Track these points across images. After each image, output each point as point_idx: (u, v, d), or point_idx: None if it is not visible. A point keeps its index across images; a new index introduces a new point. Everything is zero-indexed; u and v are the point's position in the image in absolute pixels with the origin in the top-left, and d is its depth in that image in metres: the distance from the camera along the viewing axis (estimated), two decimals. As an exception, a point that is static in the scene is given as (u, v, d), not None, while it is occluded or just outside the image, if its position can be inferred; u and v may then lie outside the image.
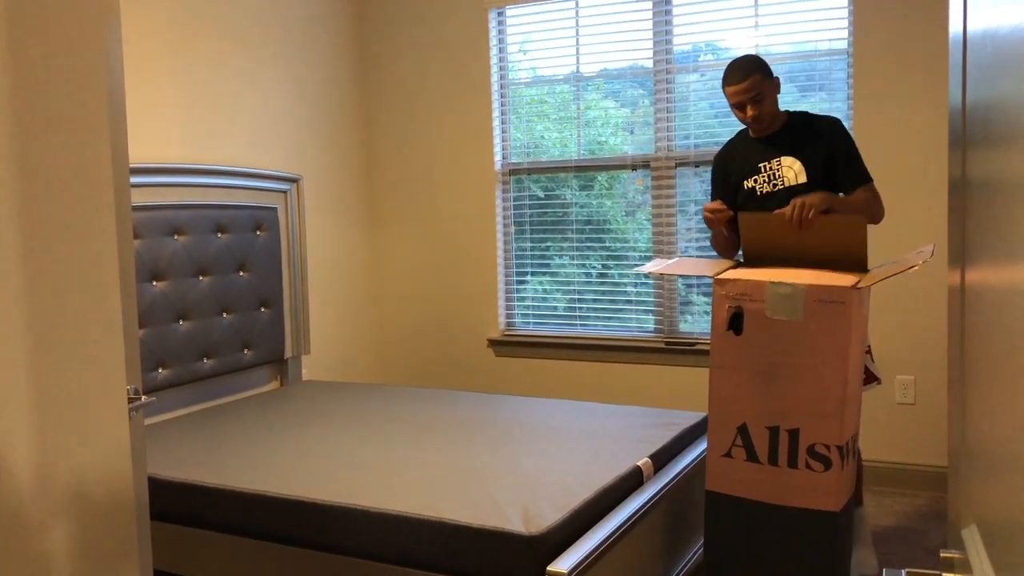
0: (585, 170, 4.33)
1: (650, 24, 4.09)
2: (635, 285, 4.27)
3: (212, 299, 3.61)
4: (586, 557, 2.13)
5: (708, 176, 4.05)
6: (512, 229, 4.50)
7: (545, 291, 4.50)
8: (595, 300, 4.37)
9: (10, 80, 1.16)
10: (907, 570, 1.08)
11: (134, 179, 3.20)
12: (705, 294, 4.11)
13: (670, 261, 2.98)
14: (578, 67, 4.30)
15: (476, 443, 2.89)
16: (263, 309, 3.90)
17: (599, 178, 4.35)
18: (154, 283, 3.37)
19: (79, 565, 1.27)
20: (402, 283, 4.74)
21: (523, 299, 4.53)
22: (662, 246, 4.14)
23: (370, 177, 4.76)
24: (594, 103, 4.36)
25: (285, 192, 4.04)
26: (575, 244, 4.38)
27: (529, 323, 4.52)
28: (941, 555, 1.05)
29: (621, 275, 4.31)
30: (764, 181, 2.85)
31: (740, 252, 2.87)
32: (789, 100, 3.71)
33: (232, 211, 3.72)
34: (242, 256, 3.77)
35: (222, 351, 3.66)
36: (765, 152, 2.86)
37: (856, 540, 3.01)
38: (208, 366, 3.60)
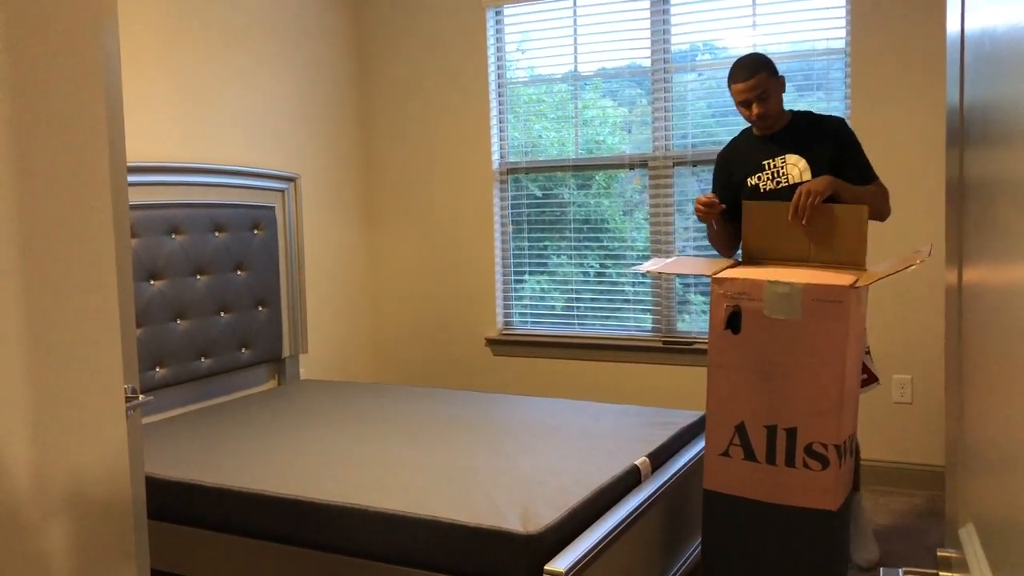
0: (583, 169, 4.33)
1: (648, 23, 4.09)
2: (633, 284, 4.27)
3: (210, 298, 3.61)
4: (583, 556, 2.13)
5: (706, 176, 4.08)
6: (510, 228, 4.50)
7: (543, 290, 4.50)
8: (593, 299, 4.37)
9: (7, 79, 1.15)
10: (904, 569, 1.09)
11: (131, 178, 3.19)
12: (703, 293, 4.11)
13: (668, 260, 2.99)
14: (576, 66, 4.30)
15: (474, 442, 2.89)
16: (261, 308, 3.90)
17: (597, 177, 4.35)
18: (152, 282, 3.37)
19: (76, 564, 1.27)
20: (400, 282, 4.74)
21: (521, 298, 4.53)
22: (660, 245, 4.14)
23: (368, 176, 4.76)
24: (592, 102, 4.36)
25: (283, 191, 4.04)
26: (573, 243, 4.38)
27: (527, 322, 4.52)
28: (938, 554, 1.05)
29: (619, 274, 4.31)
30: (768, 178, 2.86)
31: (739, 251, 2.88)
32: (787, 99, 3.70)
33: (230, 210, 3.72)
34: (240, 255, 3.77)
35: (220, 350, 3.66)
36: (769, 150, 2.87)
37: (856, 527, 3.02)
38: (206, 365, 3.59)
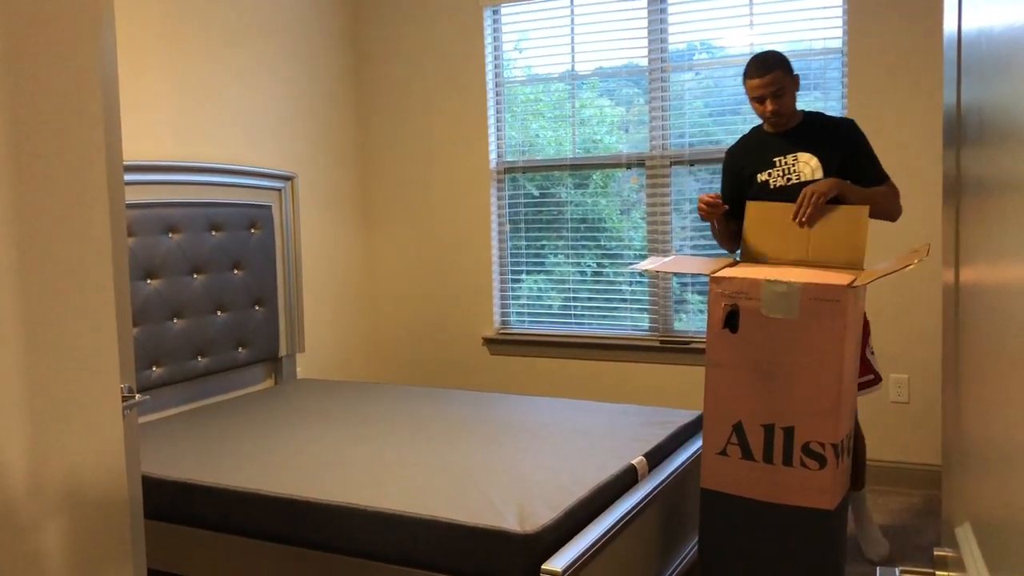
0: (580, 169, 4.33)
1: (645, 23, 4.09)
2: (630, 284, 4.27)
3: (206, 297, 3.60)
4: (580, 556, 2.13)
5: (703, 175, 4.08)
6: (507, 227, 4.50)
7: (540, 289, 4.50)
8: (590, 299, 4.37)
9: (3, 78, 1.15)
10: (901, 568, 1.09)
11: (128, 176, 3.19)
12: (700, 292, 4.11)
13: (666, 259, 3.00)
14: (573, 65, 4.30)
15: (471, 441, 2.89)
16: (257, 307, 3.89)
17: (594, 176, 4.35)
18: (148, 281, 3.36)
19: (72, 564, 1.26)
20: (397, 281, 4.74)
21: (518, 297, 4.53)
22: (657, 244, 4.14)
23: (365, 175, 4.76)
24: (589, 101, 4.36)
25: (280, 190, 4.04)
26: (570, 243, 4.38)
27: (524, 321, 4.52)
28: (935, 553, 1.05)
29: (616, 273, 4.31)
30: (779, 175, 2.88)
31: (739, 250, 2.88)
32: (784, 99, 3.71)
33: (226, 209, 3.72)
34: (236, 254, 3.76)
35: (216, 349, 3.65)
36: (781, 147, 2.90)
37: (863, 523, 3.03)
38: (202, 364, 3.59)
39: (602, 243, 4.33)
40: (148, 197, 3.36)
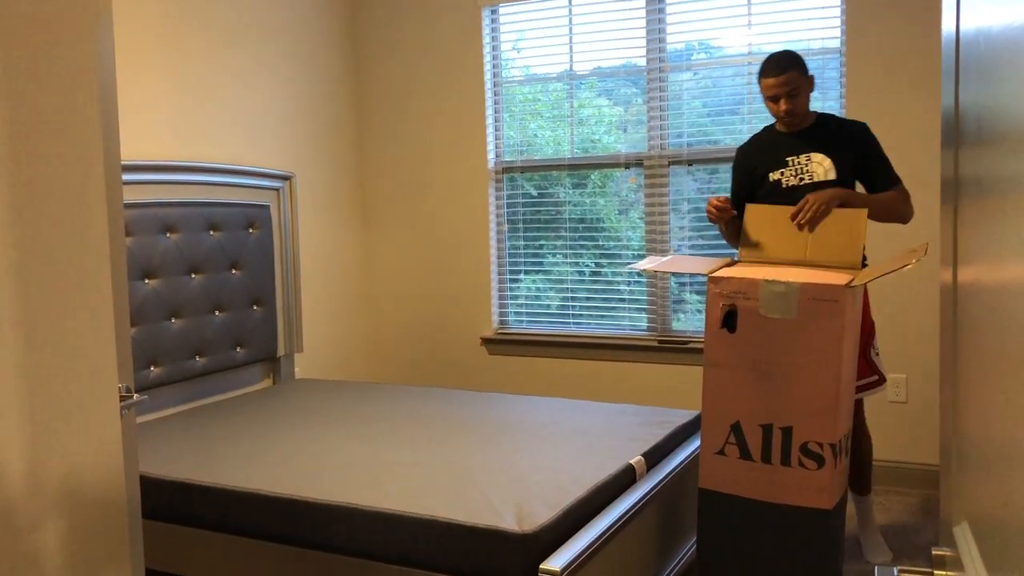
0: (578, 168, 4.33)
1: (643, 23, 4.09)
2: (628, 283, 4.27)
3: (204, 297, 3.60)
4: (579, 555, 2.13)
5: (701, 175, 4.08)
6: (505, 227, 4.50)
7: (538, 289, 4.50)
8: (588, 298, 4.37)
9: (1, 78, 1.15)
10: (899, 567, 1.09)
11: (126, 176, 3.18)
12: (698, 292, 4.11)
13: (664, 258, 3.00)
14: (571, 65, 4.30)
15: (469, 441, 2.89)
16: (256, 307, 3.89)
17: (592, 176, 4.35)
18: (146, 281, 3.36)
19: (71, 564, 1.26)
20: (395, 281, 4.74)
21: (516, 297, 4.53)
22: (655, 244, 4.15)
23: (363, 175, 4.76)
24: (587, 101, 4.36)
25: (278, 190, 4.04)
26: (568, 242, 4.38)
27: (522, 321, 4.52)
28: (933, 552, 1.05)
29: (614, 273, 4.31)
30: (791, 175, 2.89)
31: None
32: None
33: (224, 209, 3.71)
34: (235, 254, 3.76)
35: (214, 349, 3.65)
36: (794, 146, 2.91)
37: (868, 528, 3.03)
38: (200, 364, 3.59)
39: (600, 243, 4.33)
40: (146, 197, 3.36)
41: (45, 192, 1.21)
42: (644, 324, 4.22)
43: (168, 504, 2.60)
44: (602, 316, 4.32)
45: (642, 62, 4.14)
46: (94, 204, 1.28)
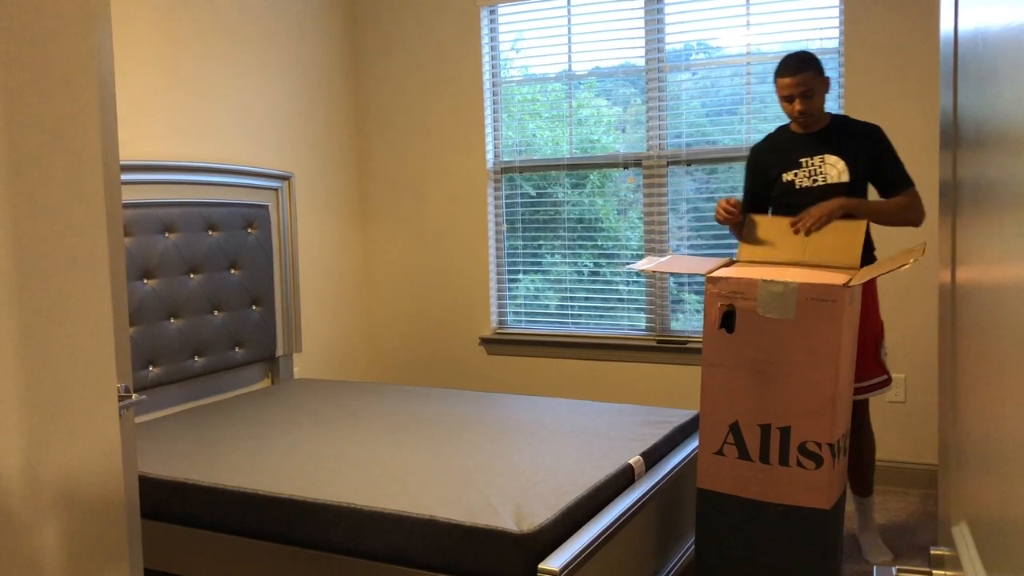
0: (577, 168, 4.33)
1: (642, 23, 4.09)
2: (627, 283, 4.27)
3: (203, 297, 3.60)
4: (578, 555, 2.13)
5: (700, 175, 4.09)
6: (504, 227, 4.50)
7: (537, 289, 4.50)
8: (587, 298, 4.37)
9: None
10: (898, 567, 1.09)
11: (124, 176, 3.18)
12: (697, 292, 4.12)
13: (663, 258, 3.00)
14: (570, 65, 4.30)
15: (468, 441, 2.89)
16: (254, 307, 3.89)
17: (591, 177, 4.35)
18: (145, 281, 3.36)
19: (69, 564, 1.26)
20: (394, 281, 4.74)
21: (515, 297, 4.53)
22: (654, 244, 4.15)
23: (362, 175, 4.76)
24: (586, 101, 4.36)
25: (276, 190, 4.03)
26: (567, 242, 4.38)
27: (521, 321, 4.52)
28: (931, 552, 1.05)
29: (613, 273, 4.31)
30: (805, 176, 2.89)
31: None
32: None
33: (223, 209, 3.71)
34: (233, 254, 3.76)
35: (213, 349, 3.65)
36: (808, 147, 2.91)
37: (868, 530, 3.04)
38: (199, 364, 3.59)
39: (599, 243, 4.34)
40: (145, 197, 3.35)
41: (44, 192, 1.21)
42: (643, 324, 4.22)
43: (167, 504, 2.60)
44: (601, 316, 4.33)
45: (641, 62, 4.14)
46: (93, 204, 1.28)
